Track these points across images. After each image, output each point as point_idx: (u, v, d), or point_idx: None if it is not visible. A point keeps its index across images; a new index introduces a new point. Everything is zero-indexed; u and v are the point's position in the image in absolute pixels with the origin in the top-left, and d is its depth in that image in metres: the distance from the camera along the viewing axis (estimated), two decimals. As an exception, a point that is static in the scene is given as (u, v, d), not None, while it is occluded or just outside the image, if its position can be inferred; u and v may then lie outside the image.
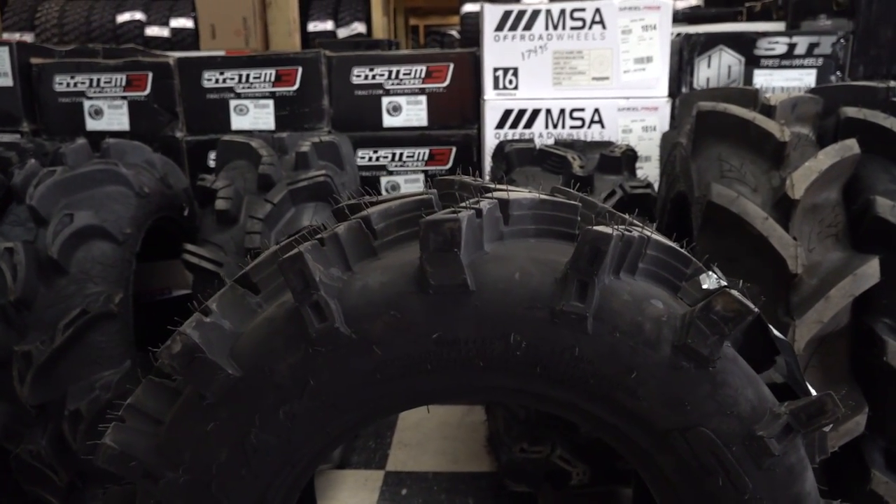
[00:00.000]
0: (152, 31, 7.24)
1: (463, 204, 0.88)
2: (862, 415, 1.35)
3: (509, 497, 1.99)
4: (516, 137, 2.66)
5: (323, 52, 2.78)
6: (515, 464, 1.78)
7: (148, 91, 2.81)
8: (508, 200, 0.90)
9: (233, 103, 2.81)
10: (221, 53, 4.14)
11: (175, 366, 0.85)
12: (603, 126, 2.64)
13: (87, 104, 2.84)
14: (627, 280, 0.87)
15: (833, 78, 2.61)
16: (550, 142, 2.17)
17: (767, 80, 2.65)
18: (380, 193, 2.78)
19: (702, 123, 1.60)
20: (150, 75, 2.80)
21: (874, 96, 1.64)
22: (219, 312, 0.89)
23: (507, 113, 2.69)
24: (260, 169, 1.86)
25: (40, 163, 1.81)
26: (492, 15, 2.64)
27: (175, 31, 7.14)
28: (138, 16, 7.35)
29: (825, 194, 1.45)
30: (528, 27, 2.63)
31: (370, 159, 2.83)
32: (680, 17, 3.95)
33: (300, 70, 2.77)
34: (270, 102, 2.81)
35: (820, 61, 2.61)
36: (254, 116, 2.82)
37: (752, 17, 3.62)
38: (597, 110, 2.64)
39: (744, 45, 2.64)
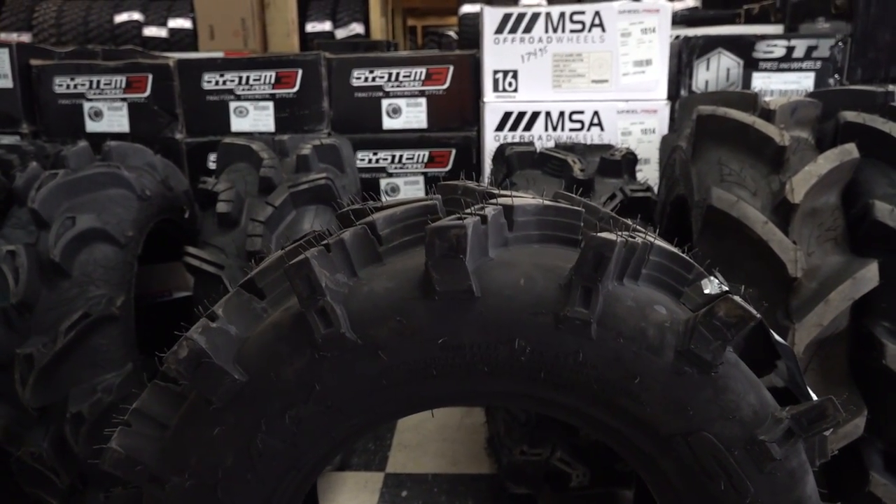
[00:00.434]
0: (150, 31, 7.23)
1: (468, 210, 0.88)
2: (861, 417, 1.36)
3: (509, 499, 2.00)
4: (516, 140, 2.67)
5: (323, 55, 2.78)
6: (515, 466, 1.78)
7: (148, 93, 2.82)
8: (513, 207, 0.91)
9: (233, 105, 2.82)
10: (220, 54, 4.15)
11: (181, 371, 0.86)
12: (602, 128, 2.65)
13: (86, 106, 2.84)
14: (631, 286, 0.88)
15: (831, 81, 2.62)
16: (550, 144, 2.18)
17: (766, 82, 2.66)
18: (379, 195, 2.79)
19: (702, 127, 1.61)
20: (151, 77, 2.80)
21: (873, 100, 1.65)
22: (225, 318, 0.89)
23: (507, 115, 2.69)
24: (261, 171, 1.86)
25: (42, 165, 1.82)
26: (491, 17, 2.64)
27: (173, 31, 7.13)
28: (136, 16, 7.34)
29: (824, 198, 1.46)
30: (527, 30, 2.64)
31: (370, 161, 2.84)
32: (678, 20, 3.97)
33: (300, 72, 2.78)
34: (270, 104, 2.81)
35: (818, 64, 2.62)
36: (253, 118, 2.82)
37: (750, 19, 3.64)
38: (596, 113, 2.65)
39: (742, 47, 2.66)
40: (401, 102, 2.80)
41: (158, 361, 0.90)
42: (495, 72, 2.69)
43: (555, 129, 2.67)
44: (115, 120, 2.84)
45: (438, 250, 0.82)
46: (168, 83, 2.80)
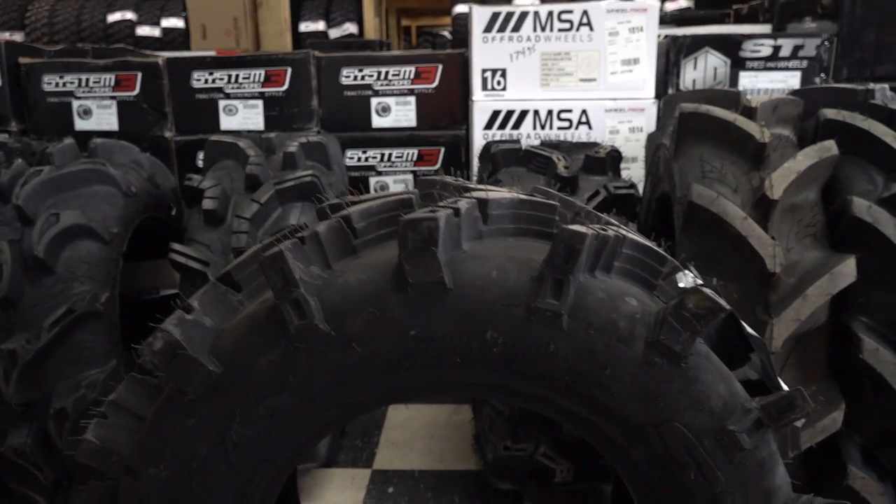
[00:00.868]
0: (143, 30, 7.22)
1: (441, 203, 0.89)
2: (839, 411, 1.37)
3: (495, 495, 2.01)
4: (504, 138, 2.68)
5: (312, 53, 2.78)
6: (500, 462, 1.79)
7: (137, 91, 2.81)
8: (487, 200, 0.92)
9: (222, 103, 2.82)
10: (212, 54, 4.14)
11: (156, 362, 0.87)
12: (590, 127, 2.66)
13: (75, 104, 2.84)
14: (603, 278, 0.89)
15: (817, 80, 2.64)
16: (537, 143, 2.19)
17: (753, 81, 2.68)
18: (367, 193, 2.79)
19: (684, 124, 1.62)
20: (140, 75, 2.80)
21: (854, 98, 1.66)
22: (200, 310, 0.90)
23: (496, 114, 2.70)
24: (247, 169, 1.86)
25: (27, 162, 1.82)
26: (480, 16, 2.65)
27: (166, 30, 7.13)
28: (129, 15, 7.33)
29: (804, 194, 1.48)
30: (516, 29, 2.65)
31: (359, 160, 2.84)
32: (668, 20, 3.99)
33: (289, 70, 2.78)
34: (260, 103, 2.81)
35: (804, 63, 2.64)
36: (243, 117, 2.83)
37: (739, 19, 3.66)
38: (584, 111, 2.66)
39: (729, 47, 2.67)
40: (390, 101, 2.81)
41: (136, 355, 0.90)
42: (484, 70, 2.69)
43: (543, 127, 2.68)
44: (104, 118, 2.83)
45: (411, 242, 0.83)
46: (157, 81, 2.80)
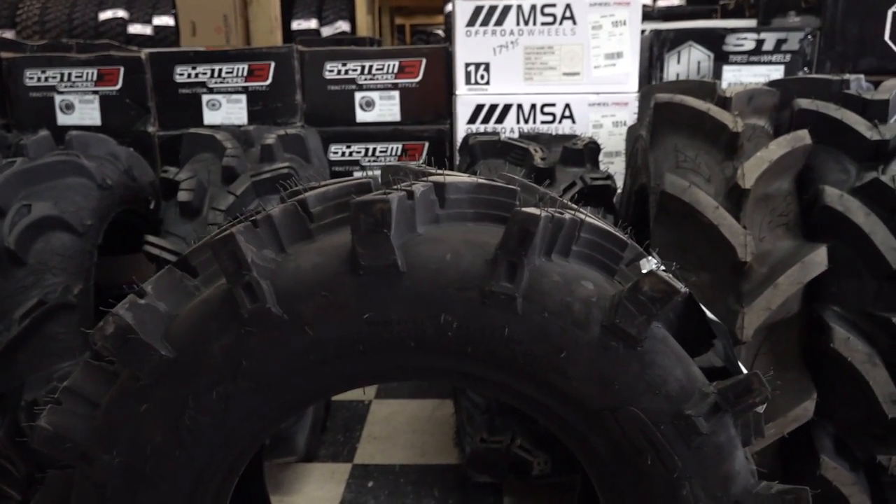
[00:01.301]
0: (135, 28, 7.20)
1: (396, 186, 0.89)
2: (811, 401, 1.37)
3: (474, 488, 2.00)
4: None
5: (295, 47, 2.77)
6: (478, 455, 1.79)
7: (120, 86, 2.80)
8: (444, 184, 0.91)
9: (205, 98, 2.81)
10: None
11: (108, 347, 0.86)
12: (574, 121, 2.66)
13: (58, 99, 2.82)
14: (559, 262, 0.88)
15: (801, 73, 2.64)
16: (517, 135, 2.18)
17: (736, 75, 2.68)
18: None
19: (659, 115, 1.62)
20: (122, 70, 2.78)
21: (828, 88, 1.66)
22: (154, 294, 0.89)
23: (479, 108, 2.70)
24: (224, 161, 1.86)
25: (4, 155, 1.81)
26: (463, 10, 2.65)
27: (158, 28, 7.10)
28: (121, 13, 7.31)
29: (777, 184, 1.47)
30: (499, 22, 2.64)
31: (343, 154, 2.83)
32: (656, 15, 3.98)
33: (273, 65, 2.77)
34: (243, 97, 2.80)
35: (788, 57, 2.64)
36: (226, 111, 2.81)
37: (726, 14, 3.66)
38: (567, 105, 2.66)
39: (713, 41, 2.67)
40: (374, 95, 2.80)
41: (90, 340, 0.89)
42: (467, 64, 2.69)
43: (527, 121, 2.68)
44: (86, 113, 2.82)
45: (363, 225, 0.82)
46: (140, 76, 2.79)
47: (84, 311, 1.67)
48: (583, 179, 1.76)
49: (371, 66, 2.77)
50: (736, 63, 2.66)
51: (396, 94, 2.80)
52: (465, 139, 2.10)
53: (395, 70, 2.78)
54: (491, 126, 2.69)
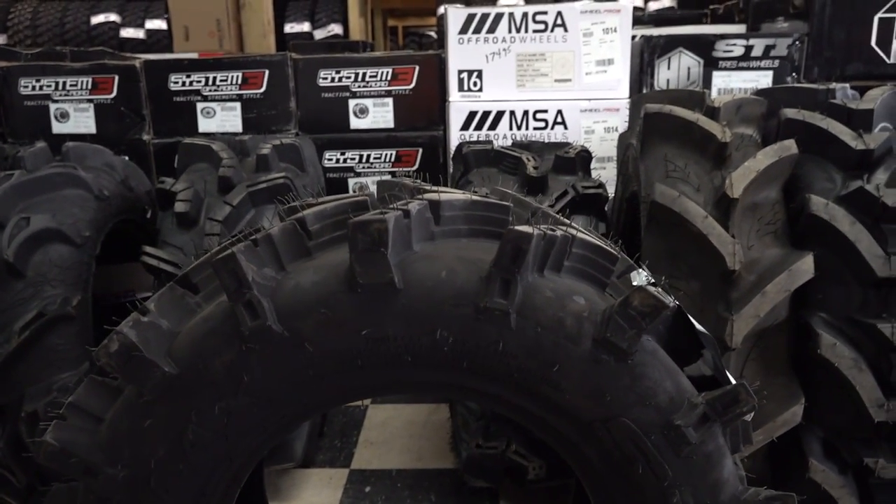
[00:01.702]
0: (127, 32, 7.20)
1: (392, 205, 0.91)
2: (799, 406, 1.40)
3: (470, 492, 2.02)
4: (481, 139, 2.70)
5: (289, 55, 2.79)
6: (474, 460, 1.81)
7: (114, 94, 2.82)
8: (439, 202, 0.93)
9: (200, 106, 2.82)
10: (194, 55, 4.13)
11: (112, 364, 0.88)
12: (566, 127, 2.69)
13: (52, 107, 2.83)
14: (551, 277, 0.91)
15: (789, 79, 2.67)
16: (510, 143, 2.21)
17: (726, 81, 2.71)
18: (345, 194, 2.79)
19: (649, 125, 1.65)
20: (117, 78, 2.80)
21: (815, 98, 1.69)
22: (157, 312, 0.91)
23: (472, 114, 2.72)
24: (220, 171, 1.88)
25: (0, 167, 1.82)
26: (455, 18, 2.67)
27: (150, 32, 7.11)
28: (113, 17, 7.31)
29: (764, 193, 1.50)
30: (491, 30, 2.67)
31: (337, 161, 2.85)
32: (646, 20, 4.02)
33: (267, 73, 2.79)
34: (237, 105, 2.82)
35: (776, 63, 2.67)
36: (221, 119, 2.83)
37: (716, 19, 3.69)
38: (560, 111, 2.68)
39: (702, 47, 2.70)
40: (368, 102, 2.82)
41: (94, 357, 0.91)
42: (460, 72, 2.71)
43: (519, 127, 2.70)
44: (81, 121, 2.83)
45: (361, 244, 0.85)
46: (135, 84, 2.80)
47: (82, 323, 1.68)
48: (575, 188, 1.78)
49: (364, 74, 2.80)
50: (725, 69, 2.70)
51: (390, 101, 2.82)
52: (459, 148, 2.13)
53: (389, 77, 2.80)
54: (484, 132, 2.71)
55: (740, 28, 3.20)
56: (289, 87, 2.80)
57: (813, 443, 1.47)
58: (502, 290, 0.86)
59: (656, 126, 1.63)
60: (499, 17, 2.66)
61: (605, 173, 2.64)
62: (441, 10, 6.65)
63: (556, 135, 2.67)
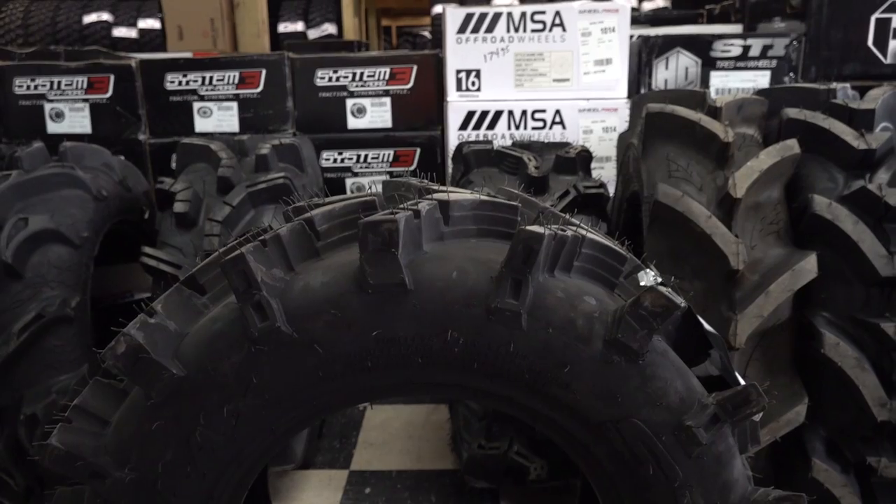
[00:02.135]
0: (120, 31, 7.16)
1: (402, 205, 0.90)
2: (802, 405, 1.40)
3: (471, 493, 2.02)
4: (479, 138, 2.69)
5: (286, 55, 2.78)
6: (475, 460, 1.81)
7: (110, 93, 2.80)
8: (448, 202, 0.93)
9: (196, 105, 2.81)
10: (188, 55, 4.10)
11: (120, 366, 0.87)
12: (564, 127, 2.69)
13: (47, 107, 2.81)
14: (562, 278, 0.90)
15: (786, 79, 2.68)
16: (510, 143, 2.21)
17: (723, 81, 2.72)
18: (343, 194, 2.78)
19: (651, 125, 1.65)
20: (112, 78, 2.78)
21: (816, 98, 1.69)
22: (164, 313, 0.90)
23: (471, 114, 2.72)
24: (219, 171, 1.86)
25: (-3, 167, 1.81)
26: (454, 18, 2.67)
27: (143, 32, 7.07)
28: (105, 16, 7.26)
29: (767, 193, 1.50)
30: (489, 30, 2.67)
31: (335, 161, 2.84)
32: (643, 20, 4.03)
33: (264, 72, 2.78)
34: (234, 105, 2.81)
35: (774, 63, 2.68)
36: (217, 119, 2.82)
37: (712, 19, 3.70)
38: (558, 111, 2.68)
39: (700, 47, 2.70)
40: (365, 102, 2.82)
41: (101, 359, 0.90)
42: (458, 71, 2.71)
43: (517, 127, 2.70)
44: (76, 121, 2.81)
45: (371, 244, 0.84)
46: (130, 84, 2.79)
47: (81, 324, 1.67)
48: (576, 188, 1.78)
49: (362, 73, 2.79)
50: (723, 69, 2.70)
51: (388, 100, 2.81)
52: (459, 148, 2.12)
53: (387, 77, 2.79)
54: (482, 132, 2.71)
55: (737, 28, 3.21)
56: (286, 87, 2.79)
57: (816, 442, 1.47)
58: (513, 291, 0.85)
59: (658, 126, 1.63)
60: (497, 16, 2.66)
61: (604, 173, 2.64)
62: (438, 8, 6.66)
63: (555, 134, 2.67)
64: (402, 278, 0.85)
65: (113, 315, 2.25)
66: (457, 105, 2.71)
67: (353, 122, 2.83)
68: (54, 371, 1.60)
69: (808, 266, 1.38)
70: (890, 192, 1.40)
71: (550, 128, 2.68)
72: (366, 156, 2.85)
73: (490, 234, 0.96)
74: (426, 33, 9.13)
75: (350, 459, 2.25)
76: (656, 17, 4.01)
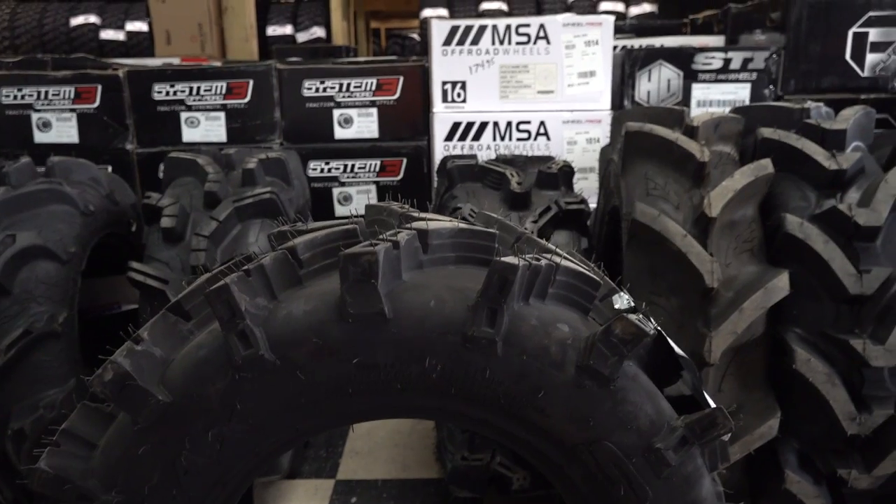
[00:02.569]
0: (107, 34, 7.14)
1: (382, 235, 0.93)
2: (775, 419, 1.44)
3: (456, 502, 2.05)
4: (465, 150, 2.73)
5: (274, 65, 2.81)
6: (459, 471, 1.84)
7: (97, 103, 2.81)
8: (427, 231, 0.96)
9: (184, 115, 2.83)
10: (176, 60, 4.11)
11: (107, 393, 0.89)
12: (548, 138, 2.73)
13: (34, 116, 2.82)
14: (537, 305, 0.93)
15: (766, 92, 2.73)
16: (495, 155, 2.24)
17: (705, 93, 2.76)
18: (332, 204, 2.80)
19: (630, 143, 1.68)
20: (100, 87, 2.79)
21: (790, 117, 1.73)
22: (150, 340, 0.93)
23: (456, 125, 2.75)
24: (206, 186, 1.88)
25: (-17, 181, 1.81)
26: (439, 30, 2.70)
27: (131, 34, 7.05)
28: (93, 19, 7.24)
29: (742, 211, 1.54)
30: (475, 42, 2.70)
31: (322, 171, 2.87)
32: (627, 29, 4.07)
33: (251, 82, 2.80)
34: (222, 115, 2.83)
35: (754, 76, 2.73)
36: (205, 129, 2.84)
37: (695, 29, 3.75)
38: (542, 123, 2.72)
39: (682, 59, 2.75)
40: (352, 112, 2.84)
41: (87, 384, 0.93)
42: (444, 83, 2.74)
43: (503, 138, 2.74)
44: (63, 131, 2.82)
45: (352, 275, 0.87)
46: (118, 94, 2.80)
47: (69, 339, 1.69)
48: (558, 204, 1.82)
49: (349, 84, 2.81)
50: (705, 81, 2.75)
51: (374, 111, 2.84)
52: (443, 162, 2.15)
53: (373, 87, 2.82)
54: (468, 143, 2.74)
55: (719, 40, 3.26)
56: (273, 97, 2.81)
57: (789, 454, 1.51)
58: (489, 319, 0.88)
59: (637, 144, 1.67)
60: (482, 29, 2.70)
61: (587, 184, 2.68)
62: (424, 13, 6.69)
63: (539, 145, 2.71)
64: (381, 308, 0.88)
65: (101, 326, 2.27)
66: (442, 116, 2.75)
67: (340, 133, 2.85)
68: (42, 386, 1.62)
69: (781, 284, 1.42)
70: (859, 211, 1.44)
71: (535, 139, 2.72)
72: (353, 166, 2.88)
73: (468, 262, 0.99)
74: (415, 36, 9.17)
75: (336, 469, 2.28)
76: (641, 26, 4.06)
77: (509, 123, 2.73)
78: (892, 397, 1.44)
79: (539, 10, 6.68)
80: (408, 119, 2.84)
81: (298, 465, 2.24)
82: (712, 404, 1.03)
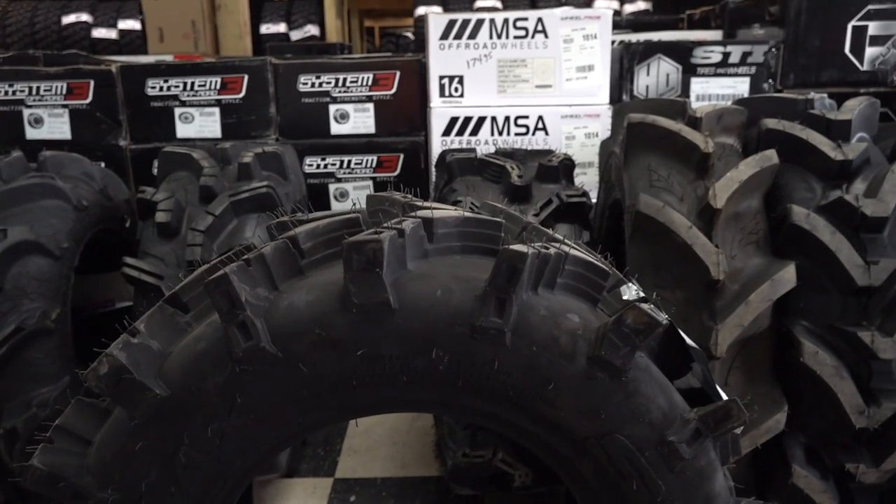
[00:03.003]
0: (99, 32, 7.09)
1: (386, 224, 0.91)
2: (782, 413, 1.42)
3: (456, 500, 2.03)
4: (462, 144, 2.70)
5: (269, 60, 2.77)
6: (460, 468, 1.81)
7: (90, 99, 2.77)
8: (432, 219, 0.93)
9: (178, 111, 2.79)
10: (169, 57, 4.07)
11: (102, 387, 0.86)
12: (547, 133, 2.70)
13: (26, 112, 2.78)
14: (545, 295, 0.91)
15: (765, 86, 2.71)
16: (493, 150, 2.22)
17: (704, 87, 2.74)
18: (328, 200, 2.77)
19: (632, 134, 1.66)
20: (92, 83, 2.76)
21: (794, 108, 1.71)
22: (146, 333, 0.90)
23: (454, 120, 2.72)
24: (201, 181, 1.85)
25: (-26, 176, 1.78)
26: (436, 24, 2.67)
27: (123, 33, 7.00)
28: (84, 17, 7.19)
29: (746, 203, 1.52)
30: (472, 36, 2.67)
31: (318, 167, 2.84)
32: (624, 24, 4.06)
33: (246, 78, 2.76)
34: (216, 110, 2.79)
35: (753, 69, 2.71)
36: (199, 124, 2.80)
37: (692, 24, 3.74)
38: (541, 117, 2.70)
39: (681, 53, 2.73)
40: (348, 108, 2.81)
41: (82, 379, 0.90)
42: (441, 77, 2.71)
43: (500, 133, 2.71)
44: (56, 126, 2.78)
45: (356, 264, 0.84)
46: (111, 89, 2.76)
47: (62, 336, 1.66)
48: (559, 197, 1.79)
49: (345, 79, 2.78)
50: (703, 75, 2.73)
51: (371, 106, 2.81)
52: (442, 156, 2.13)
53: (370, 82, 2.79)
54: (465, 138, 2.72)
55: (717, 34, 3.24)
56: (269, 93, 2.78)
57: (795, 449, 1.49)
58: (497, 310, 0.86)
59: (640, 136, 1.65)
60: (479, 23, 2.67)
61: (587, 179, 2.66)
62: (421, 10, 6.66)
63: (538, 140, 2.68)
64: (386, 298, 0.85)
65: (94, 324, 2.23)
66: (440, 111, 2.72)
67: (336, 128, 2.82)
68: (34, 384, 1.58)
69: (787, 276, 1.40)
70: (866, 202, 1.42)
71: (533, 134, 2.70)
72: (349, 161, 2.85)
73: (474, 251, 0.96)
74: (409, 34, 9.14)
75: (335, 467, 2.25)
76: (637, 22, 4.04)
77: (507, 118, 2.70)
78: (900, 390, 1.42)
79: (533, 8, 6.67)
80: (405, 114, 2.81)
81: (296, 463, 2.21)
82: (724, 396, 1.00)
